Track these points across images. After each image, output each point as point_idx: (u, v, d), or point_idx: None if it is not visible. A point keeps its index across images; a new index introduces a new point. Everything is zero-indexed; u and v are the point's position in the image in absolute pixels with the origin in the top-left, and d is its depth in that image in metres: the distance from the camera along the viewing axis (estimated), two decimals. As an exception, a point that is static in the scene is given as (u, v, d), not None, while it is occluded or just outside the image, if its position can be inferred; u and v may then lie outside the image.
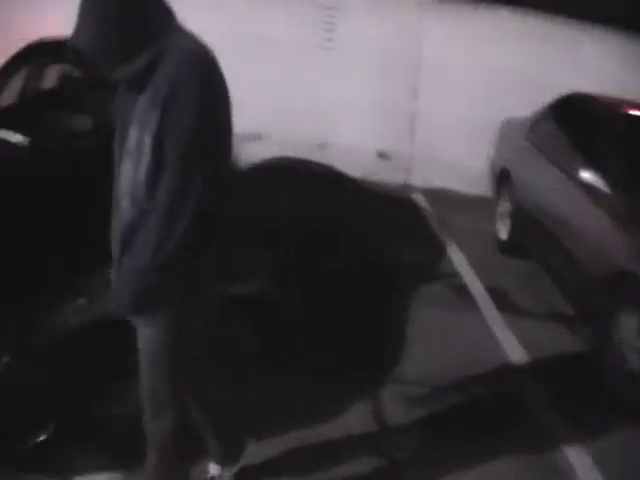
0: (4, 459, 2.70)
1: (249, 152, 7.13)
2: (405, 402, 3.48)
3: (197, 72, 1.94)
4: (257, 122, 7.13)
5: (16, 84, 4.45)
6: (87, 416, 2.83)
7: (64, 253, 2.89)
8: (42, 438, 2.66)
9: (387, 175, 7.61)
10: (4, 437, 2.67)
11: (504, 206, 5.97)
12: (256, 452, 2.80)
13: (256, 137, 7.32)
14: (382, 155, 7.89)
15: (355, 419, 3.29)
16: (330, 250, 5.28)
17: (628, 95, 5.61)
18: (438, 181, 7.48)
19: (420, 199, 7.24)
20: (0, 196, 2.97)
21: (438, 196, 7.21)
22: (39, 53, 4.52)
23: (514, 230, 5.71)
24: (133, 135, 1.99)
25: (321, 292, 4.58)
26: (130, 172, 2.01)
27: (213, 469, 2.61)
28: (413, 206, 7.03)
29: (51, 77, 4.73)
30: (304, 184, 6.82)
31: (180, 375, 2.23)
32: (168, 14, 2.04)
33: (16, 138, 3.64)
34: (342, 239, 5.55)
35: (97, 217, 2.72)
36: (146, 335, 2.14)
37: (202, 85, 1.93)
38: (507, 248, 5.83)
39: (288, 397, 3.32)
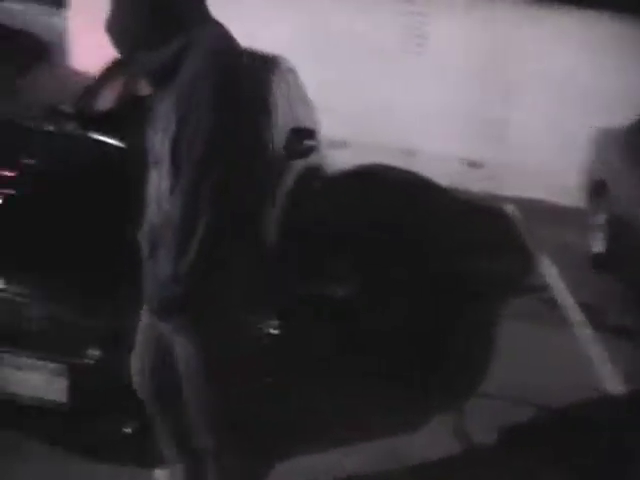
0: (91, 448, 2.81)
1: (335, 159, 7.15)
2: (488, 417, 3.37)
3: (222, 71, 1.79)
4: (344, 128, 7.15)
5: (114, 90, 4.60)
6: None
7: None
8: (129, 430, 2.71)
9: (477, 184, 7.41)
10: (92, 426, 2.76)
11: (599, 218, 5.72)
12: (337, 460, 2.79)
13: (342, 144, 7.33)
14: (472, 163, 7.72)
15: (435, 430, 3.22)
16: (416, 259, 5.19)
17: None
18: (530, 191, 7.23)
19: (511, 209, 7.02)
20: (97, 191, 3.10)
21: (530, 206, 6.95)
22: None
23: (609, 243, 5.45)
24: (156, 138, 1.89)
25: (404, 300, 4.50)
26: (155, 179, 1.94)
27: None
28: (503, 216, 6.82)
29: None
30: (391, 191, 6.74)
31: (212, 392, 2.11)
32: (200, 1, 1.90)
33: (113, 141, 3.76)
34: (428, 248, 5.45)
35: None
36: (176, 343, 2.07)
37: (225, 87, 1.77)
38: (601, 262, 5.57)
39: (367, 405, 3.27)
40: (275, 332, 3.37)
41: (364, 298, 4.45)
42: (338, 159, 7.11)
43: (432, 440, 3.15)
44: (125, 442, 2.77)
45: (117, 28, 1.83)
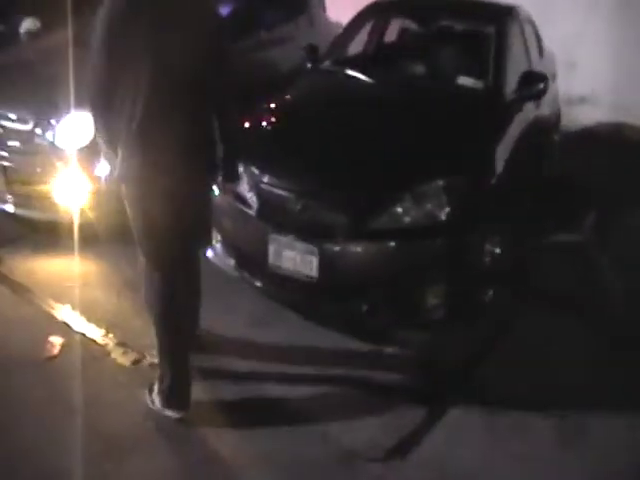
0: (335, 320, 3.46)
1: (579, 115, 7.08)
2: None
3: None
4: (589, 84, 7.04)
5: (362, 36, 5.18)
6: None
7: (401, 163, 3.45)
8: (364, 308, 3.27)
9: None
10: (335, 300, 3.37)
11: None
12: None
13: (585, 99, 7.22)
14: None
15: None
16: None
17: None
18: None
19: None
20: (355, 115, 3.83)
21: None
22: (383, 9, 5.19)
23: None
24: None
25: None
26: None
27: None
28: None
29: (393, 30, 5.41)
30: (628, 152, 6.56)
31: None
32: None
33: (364, 77, 4.37)
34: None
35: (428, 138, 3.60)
36: None
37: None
38: None
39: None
40: (498, 251, 3.72)
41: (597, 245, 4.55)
42: (581, 115, 7.07)
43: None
44: (356, 319, 3.35)
45: None
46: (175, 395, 2.84)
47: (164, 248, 2.74)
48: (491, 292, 3.54)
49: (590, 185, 5.41)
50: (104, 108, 2.58)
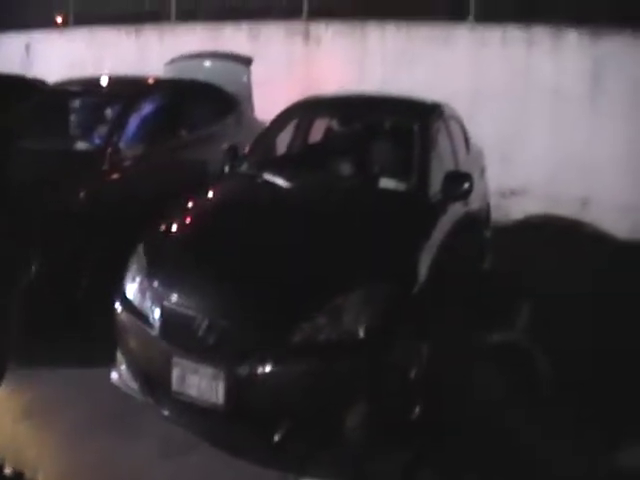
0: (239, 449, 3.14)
1: (510, 208, 7.13)
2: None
3: None
4: (519, 177, 7.12)
5: (286, 137, 5.08)
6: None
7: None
8: (276, 438, 2.97)
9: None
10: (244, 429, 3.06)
11: None
12: None
13: (514, 192, 7.31)
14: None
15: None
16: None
17: None
18: None
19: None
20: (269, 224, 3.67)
21: None
22: (307, 108, 5.12)
23: None
24: None
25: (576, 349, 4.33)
26: None
27: None
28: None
29: (318, 130, 5.33)
30: (564, 243, 6.53)
31: None
32: None
33: (280, 181, 4.19)
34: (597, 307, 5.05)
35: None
36: None
37: None
38: None
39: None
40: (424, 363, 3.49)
41: (532, 343, 4.44)
42: (513, 207, 7.11)
43: None
44: (270, 448, 3.03)
45: None
46: None
47: None
48: (418, 409, 3.28)
49: (522, 279, 5.33)
50: None
